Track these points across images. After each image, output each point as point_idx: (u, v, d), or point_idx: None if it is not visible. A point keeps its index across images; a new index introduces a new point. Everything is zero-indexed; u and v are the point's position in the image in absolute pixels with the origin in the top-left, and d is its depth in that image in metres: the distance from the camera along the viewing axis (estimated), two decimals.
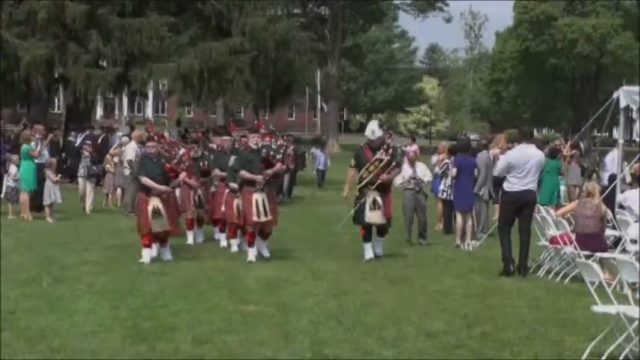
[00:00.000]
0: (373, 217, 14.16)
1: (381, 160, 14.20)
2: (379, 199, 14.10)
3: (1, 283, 11.24)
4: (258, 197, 13.71)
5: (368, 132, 14.56)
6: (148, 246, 13.56)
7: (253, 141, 14.18)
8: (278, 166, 14.42)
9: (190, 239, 15.88)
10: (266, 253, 14.16)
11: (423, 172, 17.20)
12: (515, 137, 14.28)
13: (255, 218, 13.69)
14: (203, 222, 16.30)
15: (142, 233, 13.66)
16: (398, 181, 16.34)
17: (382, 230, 14.59)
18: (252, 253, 13.81)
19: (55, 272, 12.40)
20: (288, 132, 38.52)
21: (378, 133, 14.51)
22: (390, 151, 14.44)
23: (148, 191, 13.73)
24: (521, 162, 13.14)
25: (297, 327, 9.24)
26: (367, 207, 14.09)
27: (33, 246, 15.17)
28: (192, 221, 15.96)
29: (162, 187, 13.77)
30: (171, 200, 14.12)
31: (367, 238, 14.35)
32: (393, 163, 14.35)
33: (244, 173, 13.86)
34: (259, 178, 13.75)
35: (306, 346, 8.45)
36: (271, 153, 14.25)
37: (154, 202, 13.58)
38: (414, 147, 17.87)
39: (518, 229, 13.35)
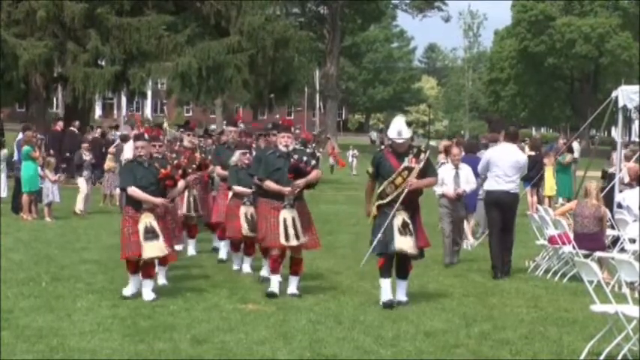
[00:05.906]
0: (404, 243, 10.48)
1: (410, 170, 10.53)
2: (409, 222, 10.55)
3: (1, 282, 11.25)
4: (287, 215, 10.82)
5: (392, 132, 10.65)
6: (136, 272, 10.63)
7: (282, 142, 11.08)
8: (314, 174, 11.07)
9: (178, 245, 13.65)
10: (295, 291, 11.07)
11: (467, 177, 14.67)
12: (506, 139, 14.29)
13: (282, 241, 10.81)
14: (196, 232, 14.48)
15: (127, 259, 10.64)
16: (437, 190, 14.39)
17: (405, 268, 10.82)
18: (275, 283, 10.97)
19: (53, 271, 12.39)
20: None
21: (407, 133, 10.70)
22: (422, 156, 10.66)
23: (138, 205, 10.61)
24: (498, 160, 13.31)
25: (296, 326, 9.24)
26: (396, 230, 10.44)
27: (32, 245, 15.16)
28: (182, 227, 14.04)
29: (157, 200, 10.61)
30: (168, 216, 11.19)
31: (386, 271, 10.57)
32: (428, 175, 10.79)
33: (270, 184, 10.94)
34: (288, 190, 10.87)
35: (305, 345, 8.45)
36: (304, 159, 11.07)
37: (147, 220, 10.47)
38: None
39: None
